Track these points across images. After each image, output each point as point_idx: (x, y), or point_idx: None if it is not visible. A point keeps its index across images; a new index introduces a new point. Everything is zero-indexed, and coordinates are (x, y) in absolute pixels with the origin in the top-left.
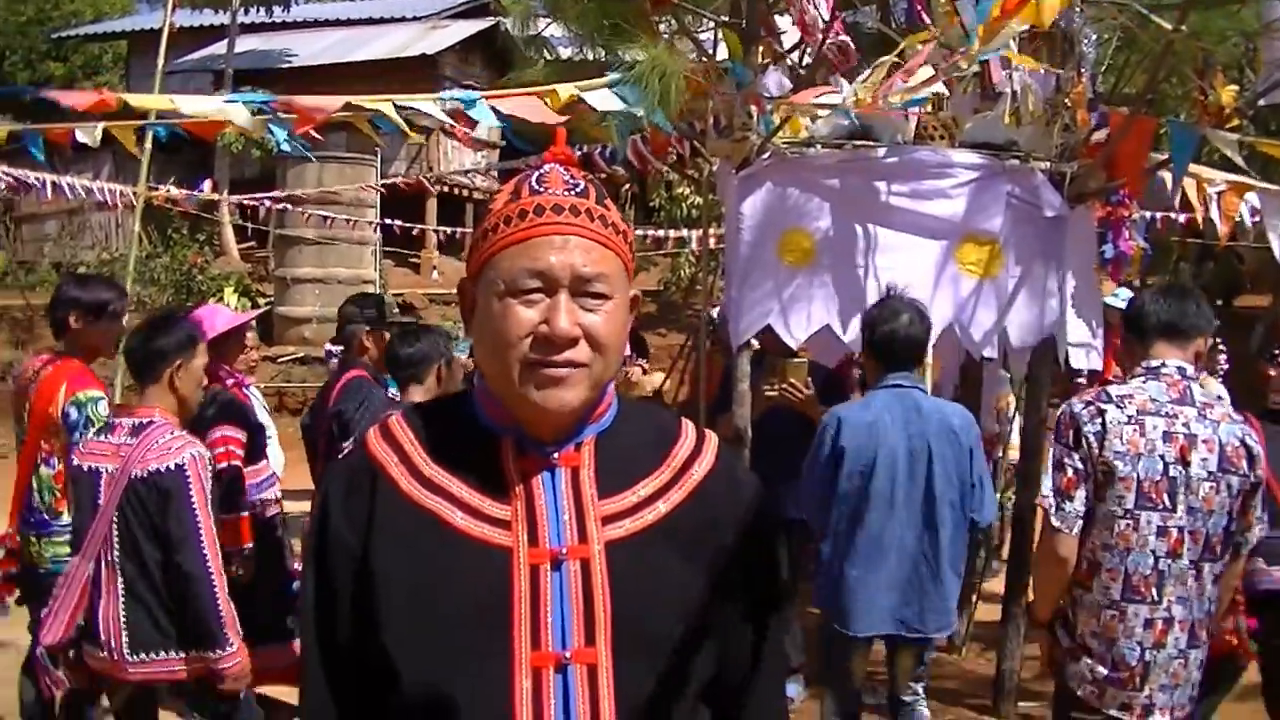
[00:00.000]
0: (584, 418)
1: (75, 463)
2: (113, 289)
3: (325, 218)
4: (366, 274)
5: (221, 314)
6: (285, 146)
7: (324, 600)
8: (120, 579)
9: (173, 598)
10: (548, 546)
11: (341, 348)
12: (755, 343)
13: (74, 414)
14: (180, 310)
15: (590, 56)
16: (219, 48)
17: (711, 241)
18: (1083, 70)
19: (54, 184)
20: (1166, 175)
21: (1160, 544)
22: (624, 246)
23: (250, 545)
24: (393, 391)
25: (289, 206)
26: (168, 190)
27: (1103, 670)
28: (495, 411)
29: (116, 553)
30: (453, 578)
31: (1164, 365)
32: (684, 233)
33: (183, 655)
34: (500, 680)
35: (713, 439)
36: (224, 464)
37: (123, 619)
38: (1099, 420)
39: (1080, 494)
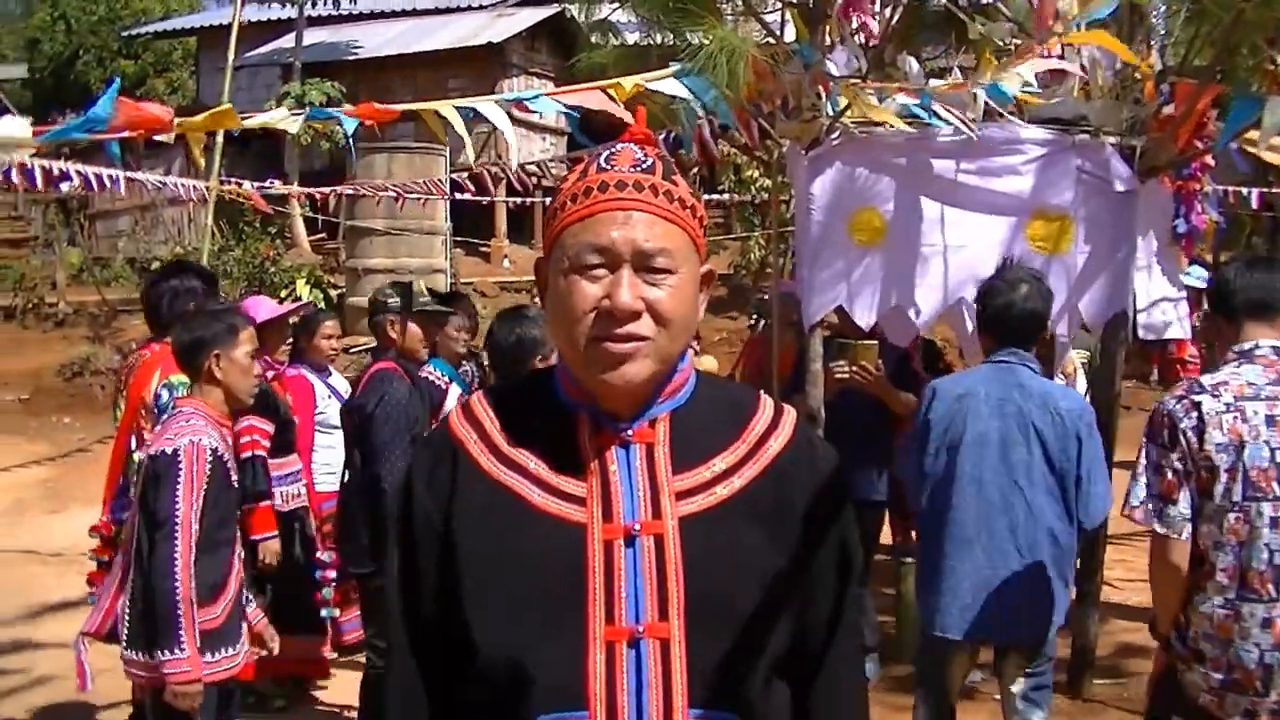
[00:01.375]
0: (657, 393)
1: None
2: (205, 277)
3: (396, 197)
4: (437, 263)
5: (264, 305)
6: (347, 135)
7: (408, 573)
8: (131, 570)
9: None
10: (621, 522)
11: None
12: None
13: (165, 396)
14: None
15: (657, 40)
16: (287, 41)
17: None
18: (1152, 43)
19: (127, 179)
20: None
21: (1275, 536)
22: (691, 222)
23: (275, 533)
24: (428, 370)
25: (359, 193)
26: (238, 185)
27: (1219, 676)
28: (572, 388)
29: (135, 542)
30: (529, 553)
31: (1257, 347)
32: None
33: (146, 657)
34: (574, 654)
35: (790, 413)
36: (248, 453)
37: (124, 612)
38: (1194, 414)
39: (1184, 495)
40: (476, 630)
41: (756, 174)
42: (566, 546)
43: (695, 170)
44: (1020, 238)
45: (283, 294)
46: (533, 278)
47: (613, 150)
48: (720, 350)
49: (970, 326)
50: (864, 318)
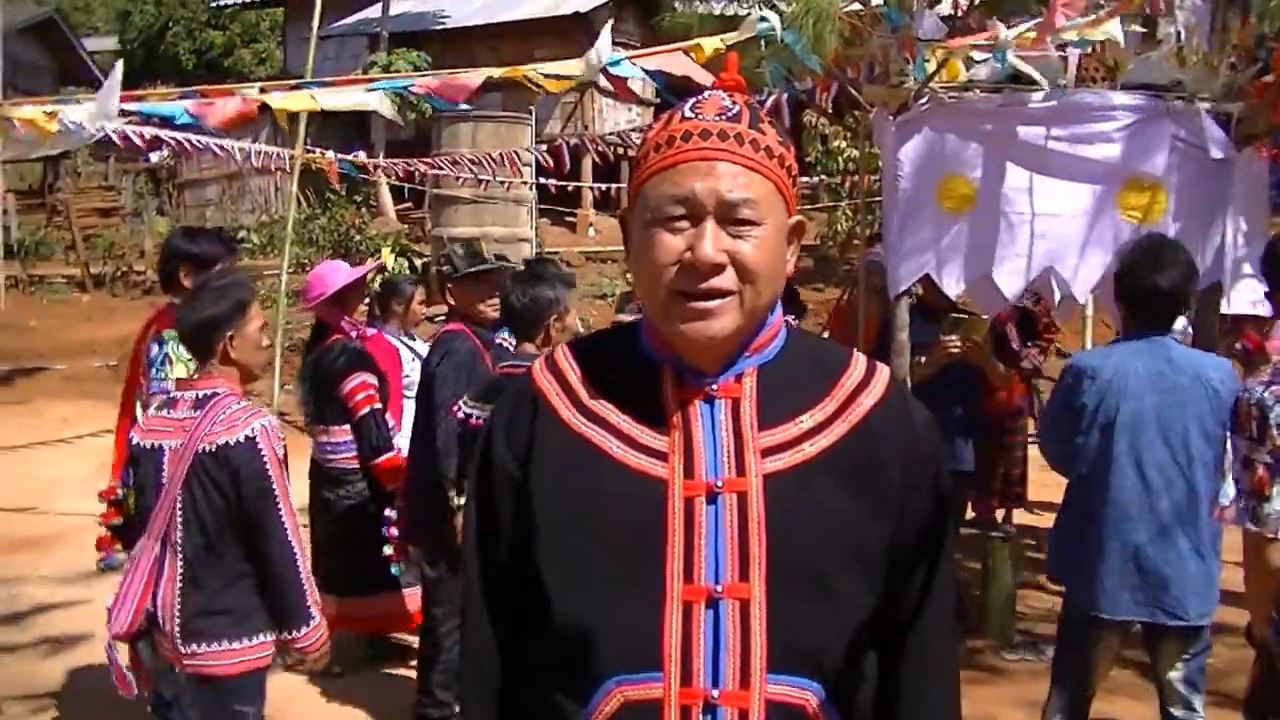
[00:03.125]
0: (744, 348)
1: (136, 441)
2: (222, 243)
3: (480, 182)
4: (522, 232)
5: (340, 269)
6: (436, 105)
7: (486, 523)
8: (180, 561)
9: (254, 578)
10: (703, 479)
11: None
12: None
13: (154, 349)
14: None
15: (743, 10)
16: (374, 11)
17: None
18: (1250, 6)
19: (216, 148)
20: None
21: None
22: (779, 171)
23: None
24: (502, 337)
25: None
26: (324, 154)
27: None
28: (656, 341)
29: (180, 533)
30: (607, 508)
31: None
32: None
33: (239, 645)
34: (651, 612)
35: (884, 370)
36: (366, 408)
37: (177, 605)
38: None
39: (1278, 490)
40: (550, 584)
41: (844, 144)
42: (646, 501)
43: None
44: (1112, 206)
45: (369, 261)
46: (619, 247)
47: (700, 98)
48: (808, 322)
49: (1058, 296)
50: (952, 286)
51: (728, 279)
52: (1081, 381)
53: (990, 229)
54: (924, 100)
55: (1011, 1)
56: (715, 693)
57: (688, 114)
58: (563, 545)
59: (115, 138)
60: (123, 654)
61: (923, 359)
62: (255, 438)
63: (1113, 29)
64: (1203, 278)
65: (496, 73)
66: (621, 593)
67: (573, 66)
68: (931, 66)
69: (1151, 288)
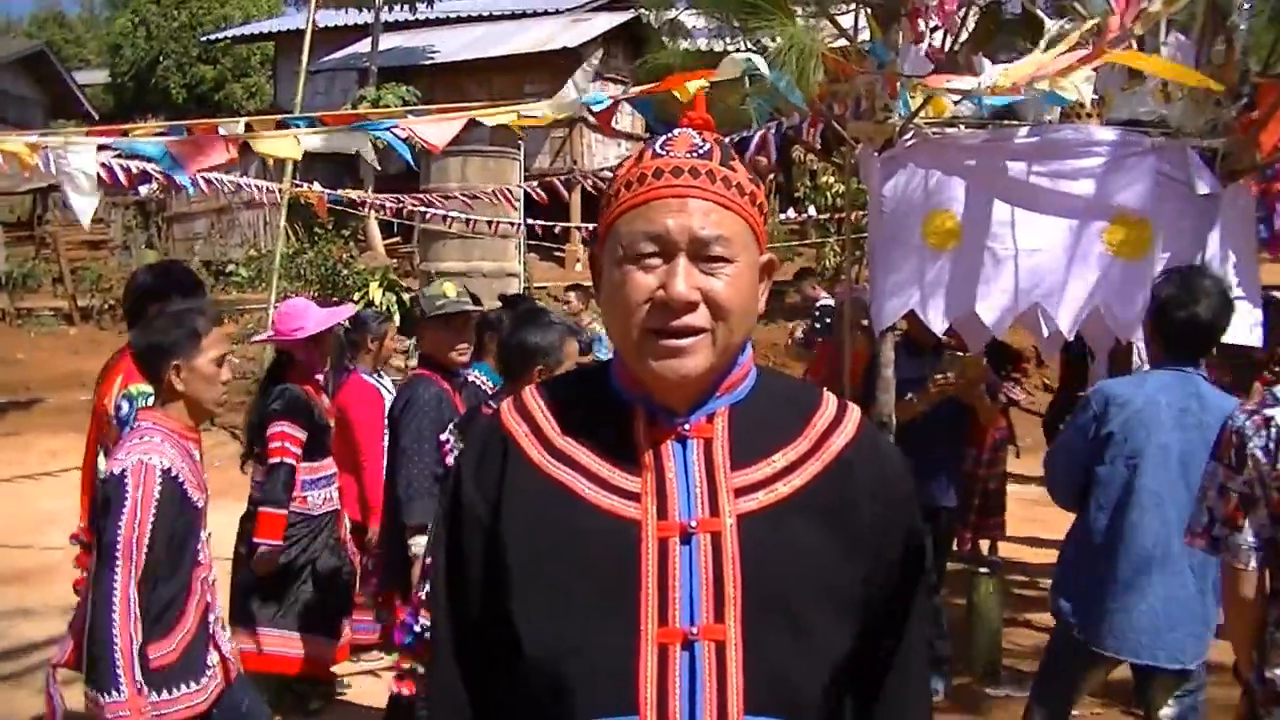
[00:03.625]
0: (715, 387)
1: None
2: (190, 279)
3: (468, 221)
4: (510, 266)
5: (310, 313)
6: (409, 160)
7: (455, 565)
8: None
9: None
10: (677, 519)
11: None
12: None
13: (125, 407)
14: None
15: (728, 47)
16: (363, 46)
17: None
18: (1234, 42)
19: (204, 182)
20: None
21: None
22: (750, 209)
23: (277, 543)
24: (474, 374)
25: (432, 206)
26: (311, 188)
27: None
28: (627, 381)
29: (92, 569)
30: (579, 550)
31: None
32: (823, 217)
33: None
34: (625, 656)
35: (854, 410)
36: (276, 459)
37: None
38: (1266, 431)
39: (1249, 522)
40: (522, 629)
41: (832, 179)
42: (619, 543)
43: (771, 178)
44: (1097, 240)
45: (355, 296)
46: None
47: (670, 135)
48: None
49: (1046, 331)
50: (937, 322)
51: (701, 317)
52: (1109, 409)
53: (974, 264)
54: (909, 136)
55: (1000, 37)
56: None
57: (658, 151)
58: (535, 588)
59: (103, 173)
60: (57, 684)
61: (912, 396)
62: (126, 473)
63: (1079, 79)
64: None
65: (478, 113)
66: (595, 635)
67: (544, 107)
68: (916, 102)
69: (1191, 323)
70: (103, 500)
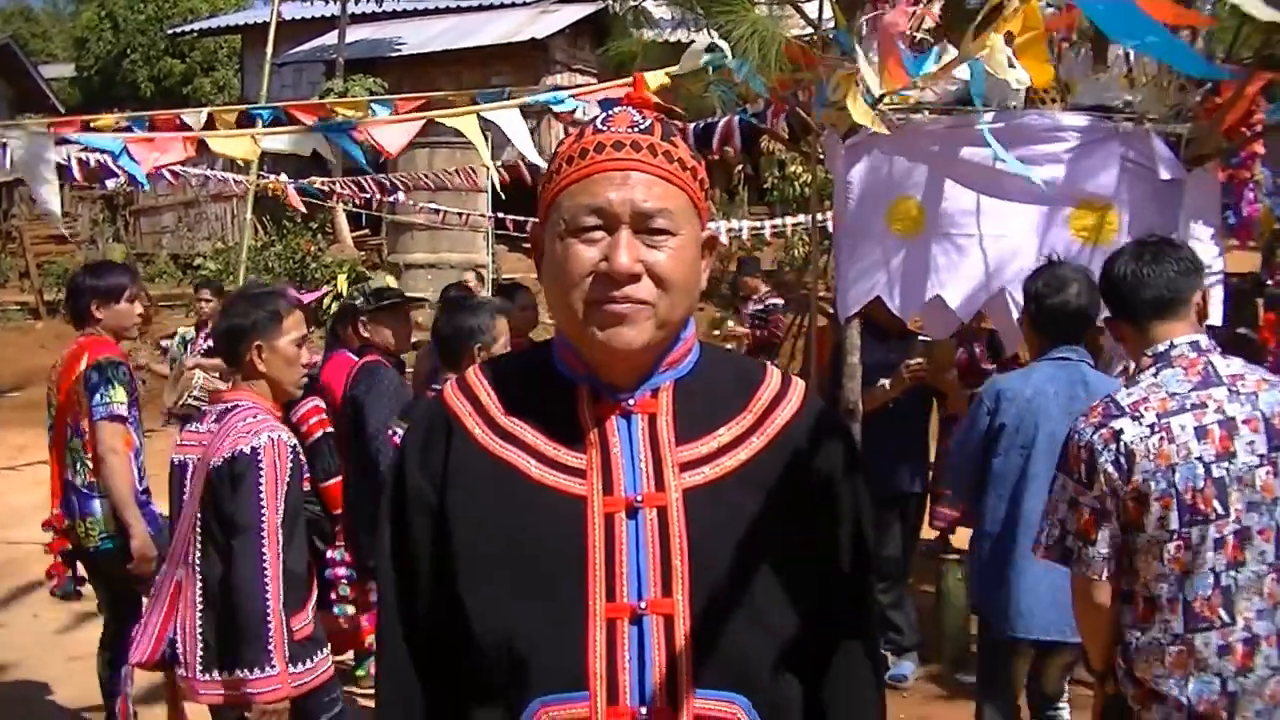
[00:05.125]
0: (659, 362)
1: (171, 458)
2: (126, 273)
3: (436, 211)
4: (479, 258)
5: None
6: (363, 164)
7: (401, 551)
8: (199, 585)
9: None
10: (623, 495)
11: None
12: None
13: (94, 377)
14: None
15: (693, 37)
16: (330, 38)
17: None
18: (1198, 30)
19: (171, 174)
20: None
21: (1219, 557)
22: (692, 183)
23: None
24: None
25: (400, 197)
26: (278, 180)
27: (1179, 715)
28: (570, 359)
29: (198, 555)
30: (526, 528)
31: (1172, 347)
32: (799, 219)
33: (257, 674)
34: (574, 633)
35: (798, 383)
36: (319, 432)
37: (198, 631)
38: (1114, 445)
39: (1104, 534)
40: (471, 608)
41: (800, 169)
42: (565, 520)
43: (740, 168)
44: (1062, 226)
45: (324, 289)
46: None
47: (610, 113)
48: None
49: (1015, 316)
50: (902, 308)
51: (644, 289)
52: (1001, 401)
53: (940, 251)
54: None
55: (964, 24)
56: (643, 710)
57: (599, 127)
58: (482, 567)
59: (75, 167)
60: (133, 682)
61: (886, 382)
62: (260, 450)
63: (962, 73)
64: None
65: (438, 114)
66: (544, 612)
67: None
68: (880, 90)
69: (1061, 309)
70: (230, 479)
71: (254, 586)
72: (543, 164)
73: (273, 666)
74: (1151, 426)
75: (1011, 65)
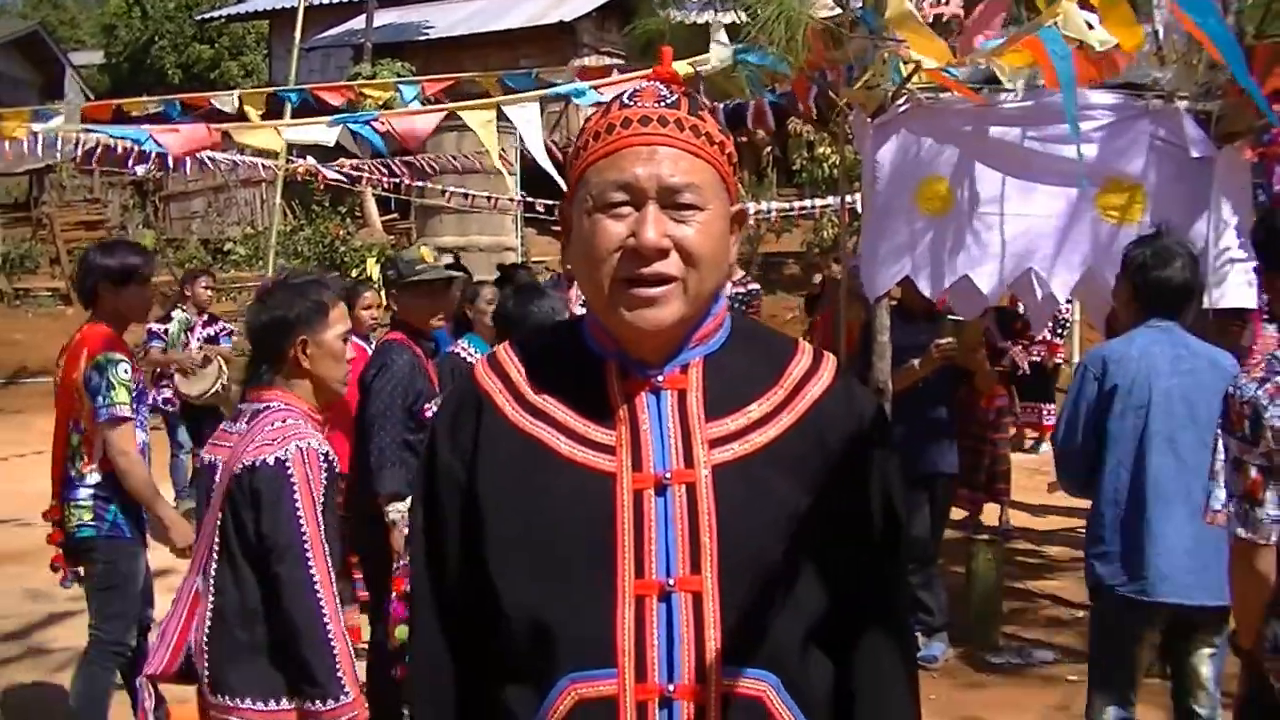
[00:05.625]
0: (689, 338)
1: (201, 455)
2: (140, 254)
3: (465, 195)
4: (508, 241)
5: None
6: (383, 153)
7: (433, 528)
8: (212, 597)
9: (269, 628)
10: (652, 471)
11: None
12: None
13: (95, 378)
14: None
15: (719, 18)
16: (358, 22)
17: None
18: (1229, 4)
19: (199, 160)
20: None
21: None
22: (720, 157)
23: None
24: (462, 345)
25: (427, 183)
26: (306, 164)
27: None
28: (600, 335)
29: (215, 564)
30: (556, 504)
31: None
32: (828, 200)
33: (264, 707)
34: (603, 608)
35: (830, 359)
36: None
37: (205, 646)
38: None
39: (1270, 495)
40: (501, 585)
41: (829, 150)
42: (595, 497)
43: (768, 150)
44: (1090, 206)
45: (354, 273)
46: None
47: (637, 88)
48: (793, 328)
49: (1040, 294)
50: (930, 288)
51: (672, 265)
52: (1108, 366)
53: (968, 230)
54: (901, 102)
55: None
56: (671, 687)
57: (626, 102)
58: (512, 544)
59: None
60: (149, 694)
61: (917, 362)
62: (288, 461)
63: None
64: None
65: (458, 108)
66: (572, 589)
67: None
68: (907, 69)
69: (1166, 283)
70: (252, 494)
71: (310, 611)
72: (547, 164)
73: (346, 694)
74: None
75: (1091, 27)
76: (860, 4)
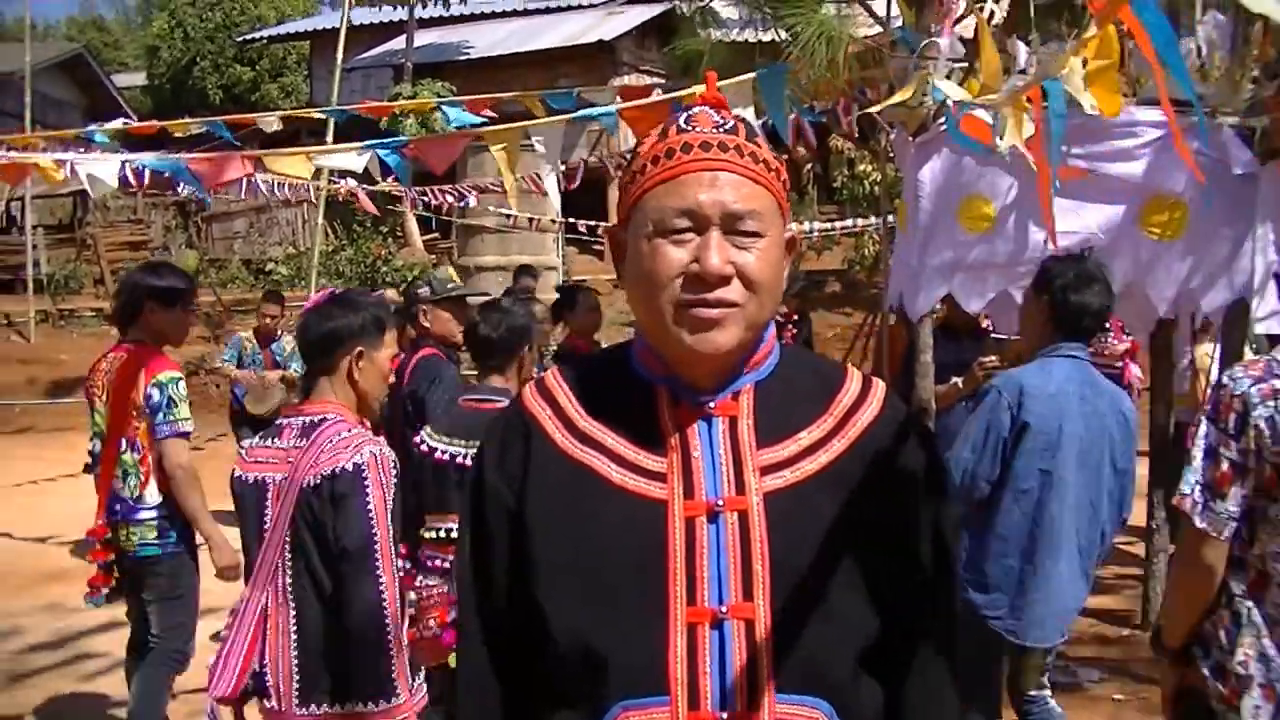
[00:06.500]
0: (741, 364)
1: (237, 474)
2: (184, 278)
3: (509, 215)
4: (549, 260)
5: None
6: (404, 183)
7: (480, 555)
8: (293, 612)
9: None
10: (704, 499)
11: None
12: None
13: (156, 395)
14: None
15: (760, 37)
16: (398, 43)
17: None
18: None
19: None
20: None
21: None
22: (776, 183)
23: None
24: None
25: (469, 202)
26: (347, 185)
27: (1271, 708)
28: (650, 361)
29: (289, 579)
30: (606, 532)
31: None
32: (870, 220)
33: (349, 709)
34: (655, 636)
35: (879, 385)
36: None
37: (294, 661)
38: (1274, 402)
39: (1235, 491)
40: (551, 613)
41: (870, 168)
42: (646, 524)
43: (809, 167)
44: (1134, 223)
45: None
46: None
47: (691, 112)
48: (834, 346)
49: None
50: (974, 305)
51: (734, 291)
52: (1024, 401)
53: (1011, 248)
54: (942, 120)
55: (1037, 17)
56: (724, 715)
57: (683, 125)
58: (562, 571)
59: (131, 178)
60: (226, 717)
61: (959, 380)
62: (363, 465)
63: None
64: (1229, 294)
65: (482, 130)
66: (622, 616)
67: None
68: (948, 87)
69: (1081, 306)
70: (331, 497)
71: (373, 613)
72: (554, 193)
73: (397, 696)
74: None
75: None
76: (900, 23)
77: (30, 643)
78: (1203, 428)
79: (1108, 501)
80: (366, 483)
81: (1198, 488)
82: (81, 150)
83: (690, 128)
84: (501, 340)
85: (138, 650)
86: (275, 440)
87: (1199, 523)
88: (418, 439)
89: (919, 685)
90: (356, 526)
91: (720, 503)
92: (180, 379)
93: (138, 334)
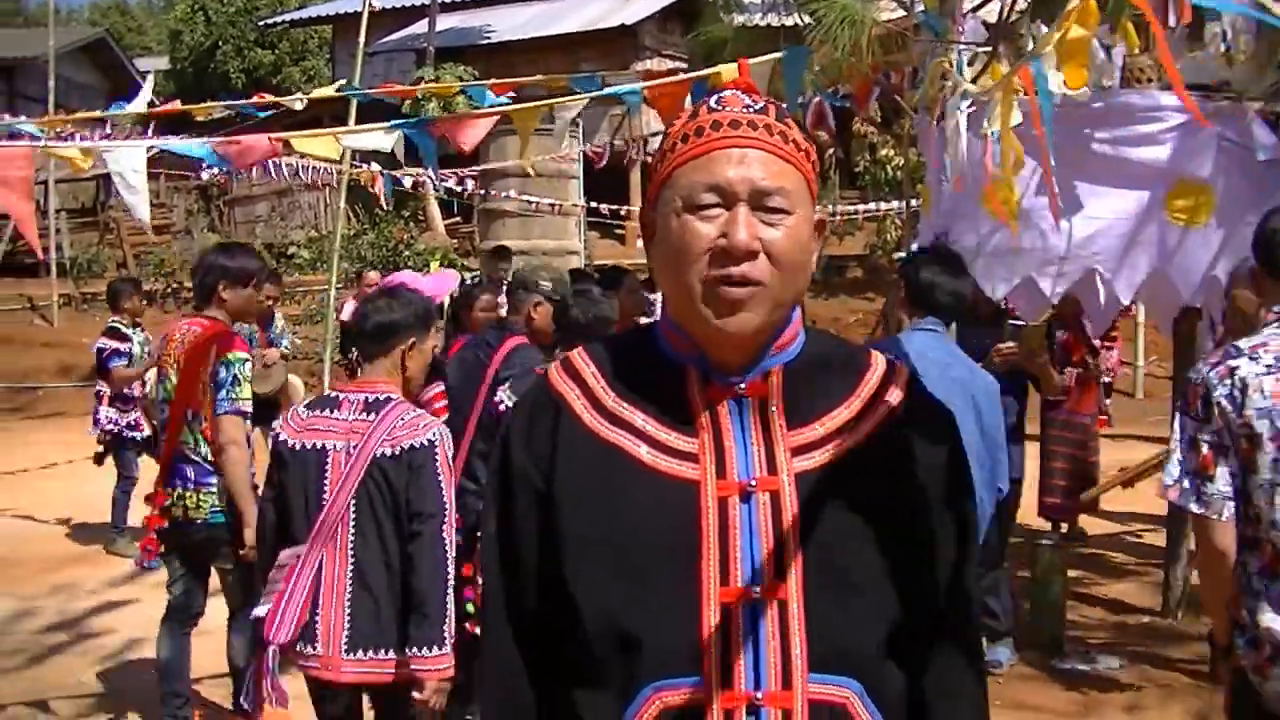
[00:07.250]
0: (769, 345)
1: (285, 439)
2: (256, 259)
3: (530, 202)
4: (571, 244)
5: (449, 278)
6: (432, 165)
7: (507, 538)
8: (351, 567)
9: (402, 585)
10: (736, 479)
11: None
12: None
13: (223, 373)
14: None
15: (783, 20)
16: (420, 26)
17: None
18: None
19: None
20: None
21: None
22: (806, 164)
23: None
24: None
25: (490, 190)
26: (369, 169)
27: None
28: (677, 340)
29: (353, 538)
30: (636, 511)
31: None
32: (892, 204)
33: (394, 655)
34: (688, 617)
35: (903, 369)
36: (441, 417)
37: (347, 612)
38: (1230, 380)
39: (1222, 471)
40: (581, 594)
41: (892, 153)
42: (678, 505)
43: (831, 152)
44: (1159, 208)
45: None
46: None
47: (721, 94)
48: (856, 331)
49: (1104, 297)
50: (995, 290)
51: (760, 269)
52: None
53: (1033, 233)
54: (967, 104)
55: (1059, 4)
56: (758, 694)
57: (714, 106)
58: (593, 552)
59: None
60: (276, 659)
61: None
62: (436, 444)
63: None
64: None
65: (509, 110)
66: (653, 596)
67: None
68: (972, 71)
69: (939, 289)
70: (411, 469)
71: (440, 571)
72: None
73: (444, 645)
74: (1269, 367)
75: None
76: (923, 7)
77: (47, 624)
78: (1178, 421)
79: (979, 470)
80: (437, 456)
81: (1185, 477)
82: (106, 135)
83: (721, 107)
84: (589, 324)
85: (174, 616)
86: (334, 412)
87: (1195, 508)
88: (497, 399)
89: (941, 670)
90: (431, 493)
91: (753, 483)
92: (247, 360)
93: (212, 312)
